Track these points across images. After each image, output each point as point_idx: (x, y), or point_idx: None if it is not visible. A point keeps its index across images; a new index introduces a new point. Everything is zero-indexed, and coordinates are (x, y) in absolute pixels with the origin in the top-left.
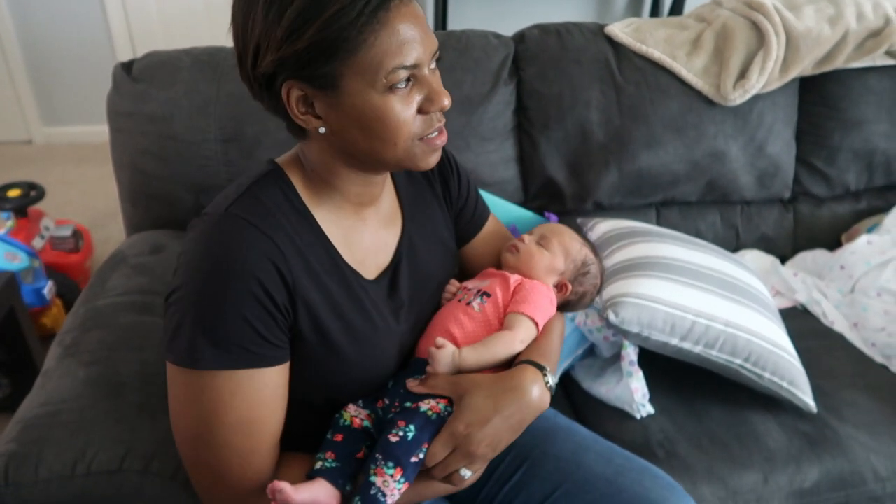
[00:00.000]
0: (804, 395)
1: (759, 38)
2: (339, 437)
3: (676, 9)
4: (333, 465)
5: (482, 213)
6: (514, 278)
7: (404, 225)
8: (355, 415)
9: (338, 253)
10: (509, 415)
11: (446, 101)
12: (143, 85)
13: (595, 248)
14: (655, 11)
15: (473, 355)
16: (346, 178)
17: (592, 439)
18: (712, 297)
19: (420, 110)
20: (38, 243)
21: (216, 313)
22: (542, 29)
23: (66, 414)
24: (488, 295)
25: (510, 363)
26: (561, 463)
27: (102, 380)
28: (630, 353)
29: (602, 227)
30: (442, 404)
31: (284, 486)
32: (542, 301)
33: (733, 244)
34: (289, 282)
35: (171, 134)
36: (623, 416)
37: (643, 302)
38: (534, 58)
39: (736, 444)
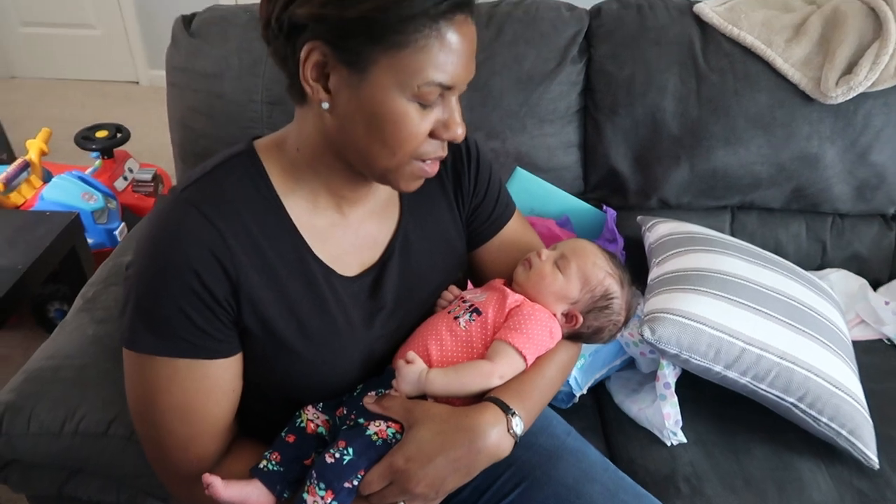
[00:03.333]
0: (866, 447)
1: (876, 27)
2: (291, 438)
3: None
4: (275, 468)
5: (502, 215)
6: (514, 298)
7: (401, 219)
8: (312, 418)
9: (306, 246)
10: (456, 457)
11: (460, 132)
12: (198, 40)
13: (626, 279)
14: None
15: (441, 381)
16: (331, 166)
17: (602, 468)
18: (770, 324)
19: (432, 132)
20: (120, 184)
21: (154, 300)
22: (622, 3)
23: (66, 370)
24: (479, 313)
25: (484, 394)
26: (561, 489)
27: (108, 339)
28: (666, 374)
29: (661, 229)
30: (391, 429)
31: (214, 479)
32: (537, 331)
33: (818, 260)
34: (231, 275)
35: (219, 92)
36: (653, 439)
37: (686, 321)
38: (608, 35)
39: (775, 491)
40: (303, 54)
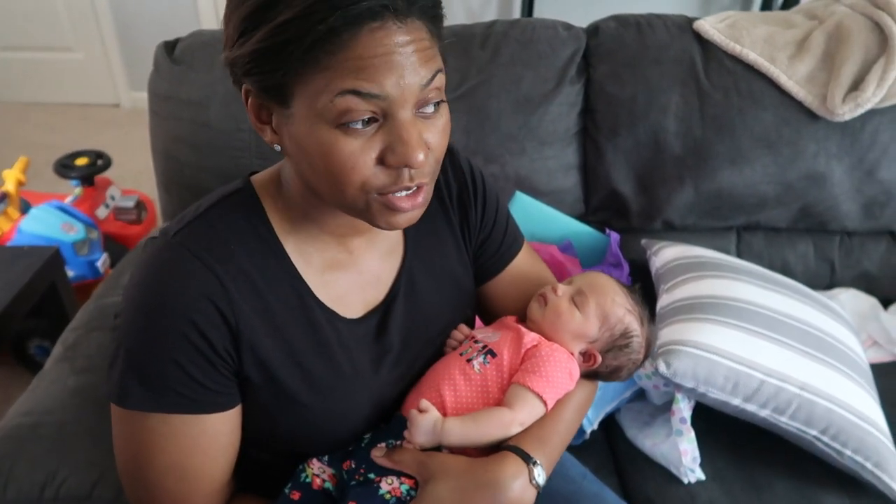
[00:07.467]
0: (892, 480)
1: (882, 43)
2: (295, 496)
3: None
4: None
5: (511, 247)
6: (529, 338)
7: (405, 255)
8: (318, 473)
9: (308, 289)
10: None
11: (415, 157)
12: (182, 67)
13: (646, 316)
14: (768, 6)
15: (458, 430)
16: (320, 207)
17: None
18: (789, 353)
19: (382, 160)
20: (101, 212)
21: (146, 353)
22: (621, 21)
23: (45, 427)
24: (493, 354)
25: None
26: None
27: (90, 391)
28: (682, 408)
29: (668, 253)
30: (405, 486)
31: None
32: (556, 374)
33: (826, 280)
34: (231, 323)
35: (205, 121)
36: (669, 476)
37: (701, 353)
38: (607, 54)
39: None
40: (243, 98)
